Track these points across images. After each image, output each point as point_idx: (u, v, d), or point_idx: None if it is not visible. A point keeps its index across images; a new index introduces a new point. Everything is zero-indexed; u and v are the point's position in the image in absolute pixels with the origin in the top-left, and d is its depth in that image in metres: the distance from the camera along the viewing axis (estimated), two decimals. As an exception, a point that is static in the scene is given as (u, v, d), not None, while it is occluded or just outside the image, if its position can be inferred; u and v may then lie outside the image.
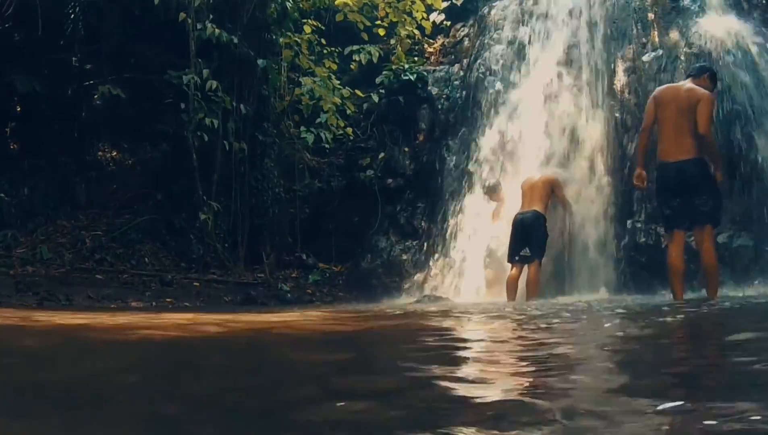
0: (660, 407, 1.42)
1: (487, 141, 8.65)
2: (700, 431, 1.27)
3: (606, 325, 3.75)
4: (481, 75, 9.22)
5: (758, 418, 1.30)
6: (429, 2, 10.28)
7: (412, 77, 9.80)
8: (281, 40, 9.62)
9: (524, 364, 2.36)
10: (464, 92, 9.51)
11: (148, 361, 2.38)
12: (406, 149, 9.68)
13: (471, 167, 8.70)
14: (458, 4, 10.41)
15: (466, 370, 2.20)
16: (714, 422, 1.29)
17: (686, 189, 5.40)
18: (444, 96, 9.83)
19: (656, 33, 8.30)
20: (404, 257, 8.86)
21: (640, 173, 5.78)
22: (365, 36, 10.22)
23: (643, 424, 1.35)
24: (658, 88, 5.91)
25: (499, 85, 9.02)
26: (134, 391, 1.74)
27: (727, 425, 1.26)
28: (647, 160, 5.78)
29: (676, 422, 1.36)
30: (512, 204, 7.66)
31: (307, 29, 10.09)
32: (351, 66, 10.11)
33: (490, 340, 3.40)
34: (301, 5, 10.09)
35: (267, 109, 9.53)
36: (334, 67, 10.19)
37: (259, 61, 8.91)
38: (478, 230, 8.21)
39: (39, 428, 1.31)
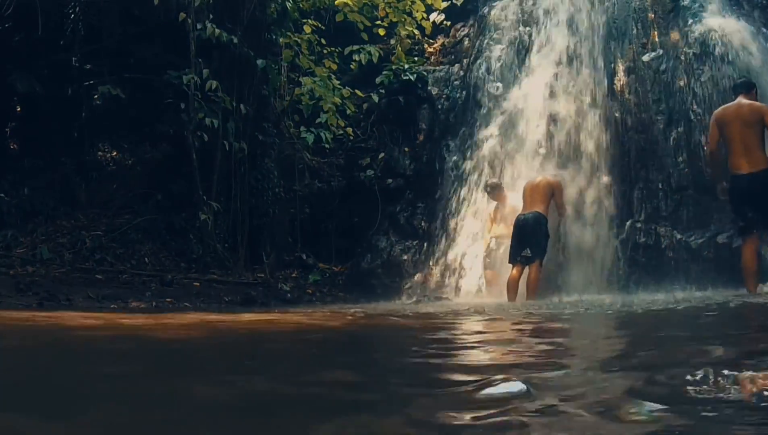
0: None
1: (487, 141, 8.66)
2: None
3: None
4: (481, 75, 9.22)
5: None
6: (429, 2, 10.27)
7: (412, 77, 9.80)
8: (281, 40, 9.62)
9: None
10: (464, 92, 9.51)
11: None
12: (406, 149, 9.68)
13: (471, 167, 8.71)
14: (458, 4, 10.41)
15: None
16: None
17: (756, 197, 5.87)
18: (444, 96, 9.83)
19: (656, 33, 8.31)
20: (404, 257, 8.86)
21: (723, 188, 6.29)
22: (365, 36, 10.21)
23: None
24: (716, 111, 6.31)
25: (499, 85, 9.02)
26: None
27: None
28: (721, 173, 6.28)
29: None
30: (513, 204, 7.67)
31: (307, 29, 10.08)
32: (351, 66, 10.10)
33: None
34: (301, 5, 10.08)
35: (267, 109, 9.52)
36: (334, 67, 10.18)
37: (259, 61, 8.91)
38: (478, 230, 8.22)
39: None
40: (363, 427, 1.38)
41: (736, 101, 6.20)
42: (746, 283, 5.89)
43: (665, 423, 1.31)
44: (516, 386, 1.60)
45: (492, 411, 1.41)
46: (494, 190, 7.92)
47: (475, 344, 3.10)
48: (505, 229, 7.59)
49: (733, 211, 6.29)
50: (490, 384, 1.64)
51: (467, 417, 1.40)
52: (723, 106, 6.34)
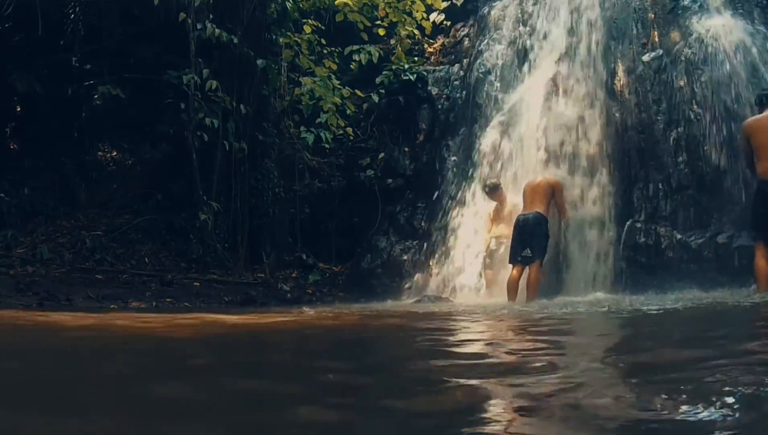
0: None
1: (487, 141, 8.64)
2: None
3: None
4: (481, 75, 9.21)
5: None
6: (429, 2, 10.26)
7: (412, 77, 9.79)
8: (281, 40, 9.61)
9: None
10: (464, 92, 9.50)
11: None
12: (406, 149, 9.67)
13: (471, 167, 8.70)
14: (458, 4, 10.40)
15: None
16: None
17: None
18: (444, 96, 9.82)
19: (656, 33, 8.30)
20: (404, 257, 8.85)
21: None
22: (365, 36, 10.20)
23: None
24: (746, 121, 6.45)
25: (498, 85, 9.01)
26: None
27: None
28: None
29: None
30: (512, 203, 7.67)
31: (307, 29, 10.07)
32: (351, 66, 10.10)
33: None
34: (301, 5, 10.07)
35: (267, 109, 9.52)
36: (334, 67, 10.17)
37: (259, 61, 8.90)
38: (478, 230, 8.21)
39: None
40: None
41: (766, 112, 6.34)
42: (758, 283, 6.00)
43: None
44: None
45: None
46: (494, 190, 7.90)
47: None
48: (505, 229, 7.58)
49: (757, 214, 6.31)
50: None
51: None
52: (754, 117, 6.48)
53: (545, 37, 8.84)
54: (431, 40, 10.88)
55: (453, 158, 9.07)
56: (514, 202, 7.64)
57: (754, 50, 7.65)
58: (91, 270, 7.82)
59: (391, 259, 8.91)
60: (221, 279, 8.27)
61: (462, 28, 10.63)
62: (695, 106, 7.65)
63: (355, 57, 9.96)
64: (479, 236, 8.16)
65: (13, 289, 6.25)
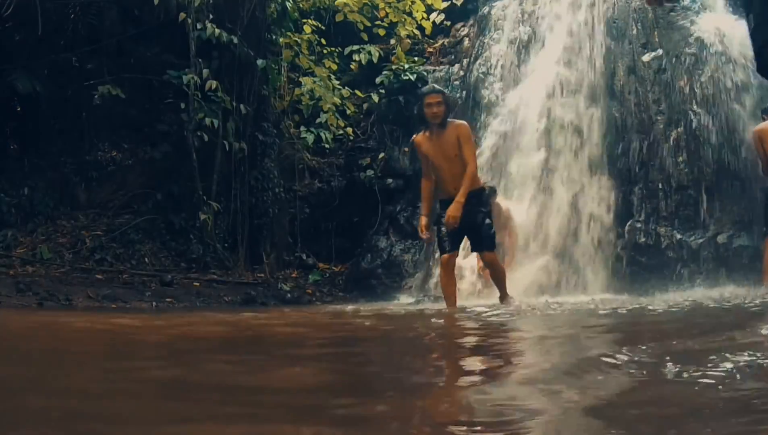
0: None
1: (486, 141, 8.65)
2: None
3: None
4: (481, 75, 9.21)
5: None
6: (429, 2, 10.26)
7: (412, 77, 9.78)
8: (281, 40, 9.61)
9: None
10: (464, 92, 9.50)
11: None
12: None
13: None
14: (458, 4, 10.41)
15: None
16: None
17: None
18: (444, 96, 9.80)
19: (656, 33, 8.31)
20: (404, 257, 8.85)
21: None
22: (365, 36, 10.21)
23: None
24: (757, 128, 6.71)
25: (499, 85, 9.01)
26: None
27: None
28: None
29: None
30: (505, 208, 7.65)
31: (307, 29, 10.07)
32: (351, 66, 10.10)
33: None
34: (301, 5, 10.07)
35: (267, 109, 9.52)
36: (334, 67, 10.17)
37: (259, 61, 8.91)
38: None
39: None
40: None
41: None
42: (765, 276, 6.17)
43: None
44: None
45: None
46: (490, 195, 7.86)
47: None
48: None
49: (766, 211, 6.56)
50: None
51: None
52: (762, 124, 6.69)
53: (545, 36, 8.85)
54: (431, 40, 10.87)
55: (453, 158, 9.06)
56: (512, 203, 7.65)
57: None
58: (91, 270, 7.81)
59: (391, 259, 8.91)
60: (221, 279, 8.27)
61: (462, 28, 10.63)
62: (695, 106, 7.66)
63: (355, 57, 9.96)
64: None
65: (13, 289, 6.24)
